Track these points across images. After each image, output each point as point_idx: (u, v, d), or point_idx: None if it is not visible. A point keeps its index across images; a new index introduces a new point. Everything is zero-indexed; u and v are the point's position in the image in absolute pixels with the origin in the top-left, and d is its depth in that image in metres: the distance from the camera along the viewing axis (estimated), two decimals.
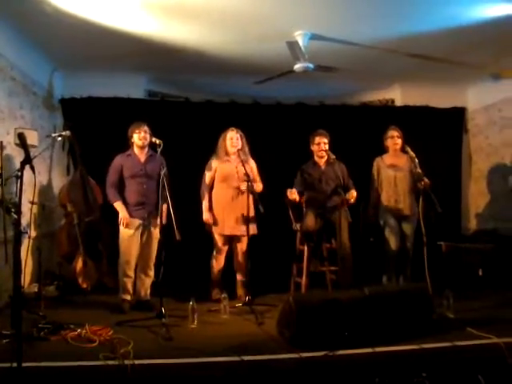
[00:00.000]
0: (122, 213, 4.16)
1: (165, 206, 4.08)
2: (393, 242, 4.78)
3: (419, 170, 4.53)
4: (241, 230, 4.48)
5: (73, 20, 4.21)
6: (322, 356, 2.92)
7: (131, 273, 4.22)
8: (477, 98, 6.56)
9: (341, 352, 2.96)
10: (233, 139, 4.59)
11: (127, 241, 4.17)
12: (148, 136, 4.24)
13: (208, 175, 4.64)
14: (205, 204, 4.59)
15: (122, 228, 4.17)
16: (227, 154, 4.62)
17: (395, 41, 4.81)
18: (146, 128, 4.27)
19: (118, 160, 4.31)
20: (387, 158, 4.97)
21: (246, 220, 4.36)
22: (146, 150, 4.34)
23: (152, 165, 4.28)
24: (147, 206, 4.23)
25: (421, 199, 4.48)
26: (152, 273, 4.33)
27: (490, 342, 3.08)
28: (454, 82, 6.30)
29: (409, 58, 5.30)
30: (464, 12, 4.17)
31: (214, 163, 4.64)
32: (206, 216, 4.57)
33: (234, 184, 4.54)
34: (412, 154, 4.61)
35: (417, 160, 4.57)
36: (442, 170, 6.21)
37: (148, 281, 4.33)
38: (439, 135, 6.39)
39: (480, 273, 5.09)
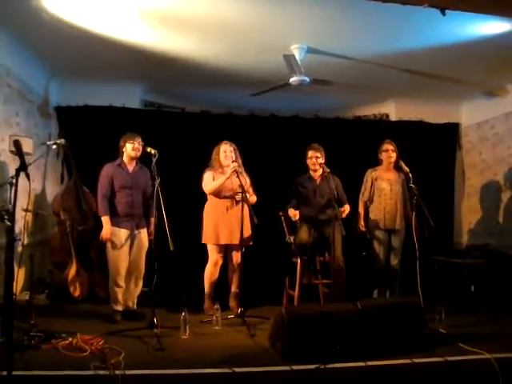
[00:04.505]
0: (105, 229, 4.16)
1: (153, 218, 4.10)
2: (382, 256, 4.81)
3: (412, 185, 4.56)
4: (236, 239, 4.46)
5: (70, 28, 4.23)
6: (313, 369, 2.91)
7: (122, 283, 4.20)
8: (470, 115, 6.64)
9: (332, 365, 2.95)
10: (226, 152, 4.59)
11: (116, 252, 4.17)
12: (141, 148, 4.22)
13: (210, 175, 4.59)
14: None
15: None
16: (221, 166, 4.64)
17: (391, 56, 4.88)
18: (139, 139, 4.26)
19: (109, 169, 4.28)
20: (380, 171, 4.98)
21: (241, 230, 4.36)
22: (135, 161, 4.33)
23: (140, 177, 4.30)
24: (135, 217, 4.25)
25: (413, 214, 4.50)
26: (141, 282, 4.33)
27: (482, 358, 3.09)
28: (448, 99, 6.39)
29: (404, 74, 5.36)
30: (459, 29, 4.23)
31: (210, 174, 4.64)
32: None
33: (227, 194, 4.55)
34: (406, 168, 4.64)
35: (410, 175, 4.60)
36: (435, 186, 6.24)
37: (136, 290, 4.33)
38: (433, 150, 6.43)
39: (472, 289, 5.11)
